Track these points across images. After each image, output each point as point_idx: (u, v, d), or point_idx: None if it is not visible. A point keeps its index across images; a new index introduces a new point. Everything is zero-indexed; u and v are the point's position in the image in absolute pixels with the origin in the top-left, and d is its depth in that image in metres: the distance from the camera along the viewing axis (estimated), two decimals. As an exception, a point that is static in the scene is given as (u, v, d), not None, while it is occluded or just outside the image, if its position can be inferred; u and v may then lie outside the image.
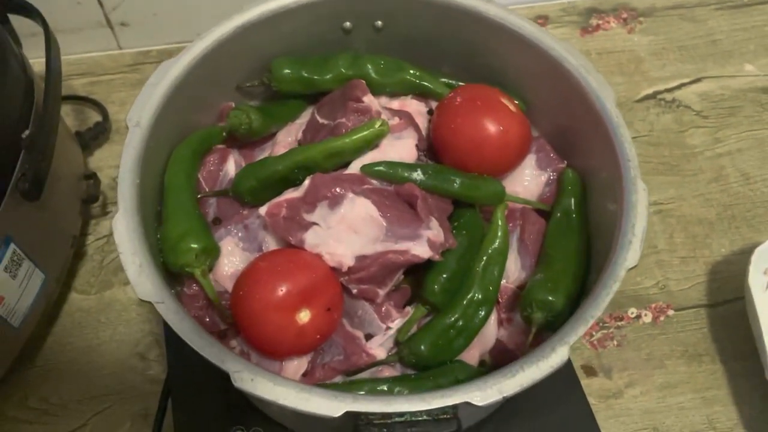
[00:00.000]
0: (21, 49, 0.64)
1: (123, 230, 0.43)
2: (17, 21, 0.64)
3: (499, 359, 0.52)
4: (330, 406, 0.38)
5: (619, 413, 0.66)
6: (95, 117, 0.82)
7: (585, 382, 0.67)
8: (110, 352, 0.68)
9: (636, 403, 0.66)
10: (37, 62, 0.63)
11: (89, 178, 0.72)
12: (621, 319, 0.71)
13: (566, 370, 0.62)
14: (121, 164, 0.46)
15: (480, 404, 0.39)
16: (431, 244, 0.46)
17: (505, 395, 0.39)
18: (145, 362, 0.67)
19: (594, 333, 0.70)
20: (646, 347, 0.69)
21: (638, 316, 0.71)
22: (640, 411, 0.66)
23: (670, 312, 0.71)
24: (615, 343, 0.69)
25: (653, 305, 0.72)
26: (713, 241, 0.75)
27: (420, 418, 0.38)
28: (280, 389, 0.39)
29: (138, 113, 0.49)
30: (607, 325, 0.70)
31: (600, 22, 0.92)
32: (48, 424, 0.64)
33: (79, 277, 0.72)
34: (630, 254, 0.44)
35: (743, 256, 0.68)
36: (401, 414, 0.38)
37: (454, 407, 0.39)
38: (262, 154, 0.58)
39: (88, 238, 0.74)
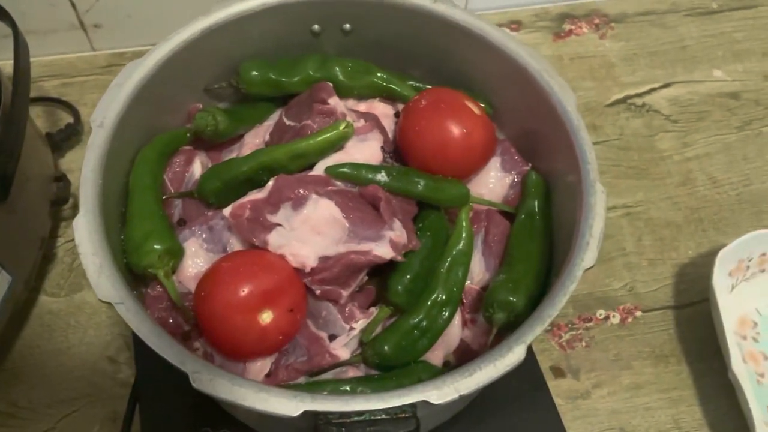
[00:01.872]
0: (-12, 50, 0.63)
1: (84, 231, 0.43)
2: (-14, 22, 0.64)
3: (463, 360, 0.53)
4: (288, 405, 0.38)
5: (586, 413, 0.66)
6: (67, 118, 0.81)
7: (553, 383, 0.67)
8: (80, 355, 0.68)
9: (603, 404, 0.67)
10: (7, 64, 0.63)
11: (59, 180, 0.72)
12: (589, 321, 0.72)
13: (533, 372, 0.63)
14: (83, 164, 0.46)
15: (437, 402, 0.39)
16: (393, 245, 0.47)
17: (461, 393, 0.39)
18: (115, 365, 0.67)
19: (563, 334, 0.70)
20: (613, 348, 0.70)
21: (606, 318, 0.72)
22: (607, 411, 0.67)
23: (638, 313, 0.72)
24: (583, 344, 0.70)
25: (621, 307, 0.73)
26: (681, 244, 0.77)
27: (378, 417, 0.39)
28: (238, 390, 0.39)
29: (102, 114, 0.49)
30: (575, 326, 0.71)
31: (572, 27, 0.93)
32: (15, 428, 0.63)
33: (49, 279, 0.72)
34: (587, 255, 0.44)
35: (709, 259, 0.69)
36: (360, 413, 0.39)
37: (412, 406, 0.39)
38: (230, 155, 0.58)
39: (58, 240, 0.74)
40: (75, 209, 0.76)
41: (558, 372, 0.69)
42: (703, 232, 0.77)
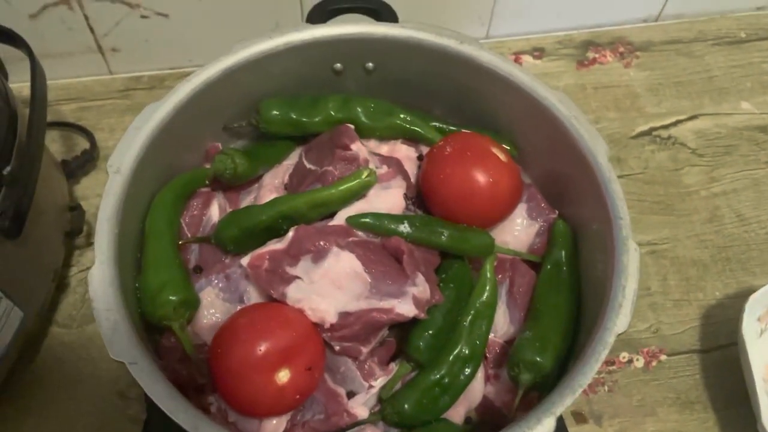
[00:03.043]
0: (6, 80, 0.62)
1: (98, 284, 0.42)
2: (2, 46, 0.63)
3: (486, 417, 0.51)
4: (305, 477, 0.37)
5: (608, 462, 0.64)
6: (83, 144, 0.80)
7: (575, 429, 0.65)
8: (90, 390, 0.66)
9: (626, 452, 0.65)
10: (23, 86, 0.61)
11: (73, 209, 0.71)
12: (612, 364, 0.70)
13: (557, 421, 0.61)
14: (99, 213, 0.45)
15: (462, 478, 0.37)
16: (416, 302, 0.45)
17: (488, 469, 0.38)
18: (125, 401, 0.66)
19: (585, 378, 0.68)
20: (637, 393, 0.68)
21: (630, 361, 0.70)
22: (630, 460, 0.65)
23: (663, 357, 0.70)
24: (606, 388, 0.68)
25: (645, 350, 0.70)
26: (707, 284, 0.74)
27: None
28: (253, 460, 0.37)
29: (119, 159, 0.48)
30: (598, 369, 0.69)
31: (596, 55, 0.91)
32: (24, 464, 0.62)
33: (61, 310, 0.70)
34: (620, 319, 0.42)
35: (737, 300, 0.67)
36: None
37: (436, 479, 0.38)
38: (248, 196, 0.57)
39: (71, 269, 0.73)
40: (89, 237, 0.75)
41: (580, 418, 0.67)
42: (730, 272, 0.75)
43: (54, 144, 0.81)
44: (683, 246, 0.77)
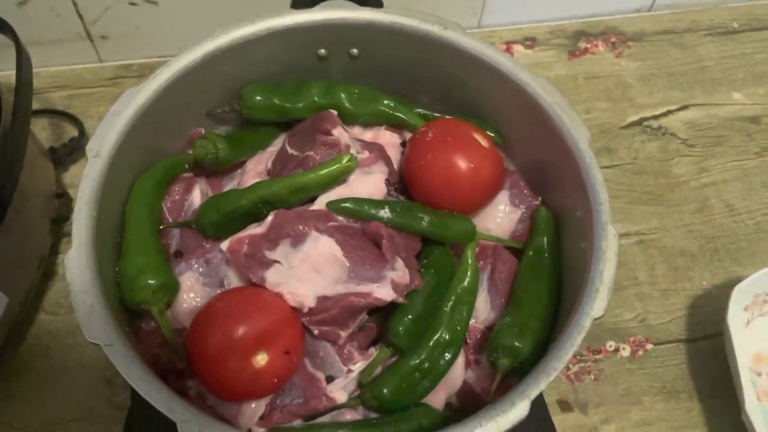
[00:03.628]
0: (-11, 66, 0.62)
1: (75, 268, 0.42)
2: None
3: (466, 402, 0.51)
4: (279, 459, 0.37)
5: (593, 450, 0.64)
6: (72, 131, 0.80)
7: (560, 417, 0.65)
8: (77, 377, 0.66)
9: (611, 441, 0.65)
10: (8, 74, 0.61)
11: (60, 196, 0.71)
12: (599, 353, 0.70)
13: (538, 406, 0.61)
14: (77, 197, 0.45)
15: (436, 461, 0.37)
16: (395, 286, 0.45)
17: (461, 452, 0.38)
18: (112, 387, 0.66)
19: (571, 366, 0.68)
20: (623, 382, 0.68)
21: (616, 350, 0.70)
22: (614, 449, 0.65)
23: (649, 346, 0.70)
24: (592, 377, 0.68)
25: (632, 339, 0.70)
26: (695, 274, 0.74)
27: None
28: (228, 441, 0.37)
29: (99, 143, 0.47)
30: (584, 358, 0.69)
31: (588, 45, 0.90)
32: (9, 450, 0.63)
33: (48, 297, 0.70)
34: (597, 303, 0.42)
35: (725, 290, 0.66)
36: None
37: (410, 462, 0.38)
38: (231, 182, 0.57)
39: (59, 257, 0.73)
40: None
41: (565, 406, 0.67)
42: (718, 262, 0.75)
43: (43, 131, 0.81)
44: (672, 236, 0.76)
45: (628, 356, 0.70)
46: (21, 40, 0.62)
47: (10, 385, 0.66)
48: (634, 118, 0.85)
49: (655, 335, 0.71)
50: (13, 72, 0.60)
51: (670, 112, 0.85)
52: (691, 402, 0.67)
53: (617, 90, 0.87)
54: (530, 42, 0.90)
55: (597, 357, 0.69)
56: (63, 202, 0.71)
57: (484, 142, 0.52)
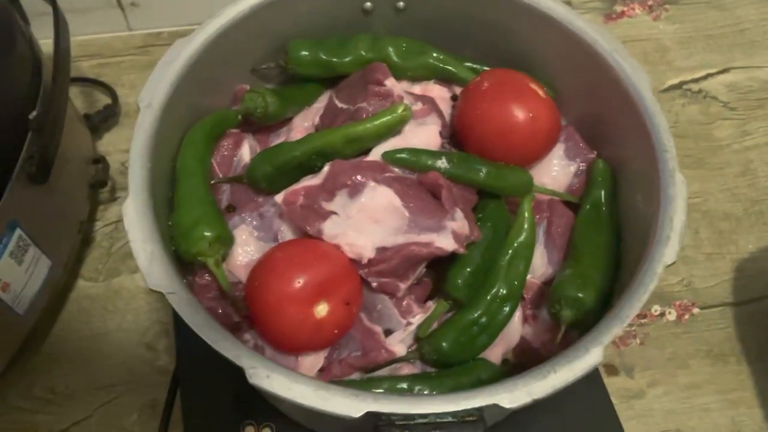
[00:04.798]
0: (29, 27, 0.61)
1: (133, 216, 0.41)
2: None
3: (523, 358, 0.50)
4: (350, 406, 0.36)
5: (641, 413, 0.64)
6: (104, 100, 0.80)
7: (606, 381, 0.64)
8: (118, 342, 0.66)
9: (659, 404, 0.64)
10: (46, 43, 0.61)
11: (98, 162, 0.70)
12: (644, 317, 0.69)
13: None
14: (131, 147, 0.44)
15: (509, 407, 0.36)
16: (456, 236, 0.44)
17: (535, 398, 0.37)
18: (154, 352, 0.65)
19: (616, 330, 0.67)
20: (669, 346, 0.67)
21: (662, 314, 0.69)
22: (662, 412, 0.64)
23: (695, 310, 0.69)
24: (638, 341, 0.67)
25: (678, 303, 0.69)
26: (740, 238, 0.73)
27: (444, 420, 0.36)
28: (297, 387, 0.37)
29: (150, 93, 0.46)
30: (630, 323, 0.68)
31: (625, 8, 0.89)
32: (53, 414, 0.62)
33: (87, 263, 0.70)
34: (668, 250, 0.41)
35: (771, 254, 0.65)
36: (425, 416, 0.36)
37: (480, 409, 0.37)
38: (278, 139, 0.56)
39: (96, 224, 0.72)
40: (113, 192, 0.74)
41: (611, 370, 0.66)
42: (763, 225, 0.74)
43: (76, 99, 0.80)
44: (715, 200, 0.75)
45: (674, 320, 0.68)
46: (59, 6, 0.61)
47: (52, 350, 0.65)
48: (674, 81, 0.83)
49: (701, 299, 0.69)
50: (50, 40, 0.59)
51: (710, 75, 0.84)
52: (739, 365, 0.66)
53: (655, 54, 0.85)
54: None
55: (642, 321, 0.68)
56: (100, 167, 0.70)
57: (540, 92, 0.50)
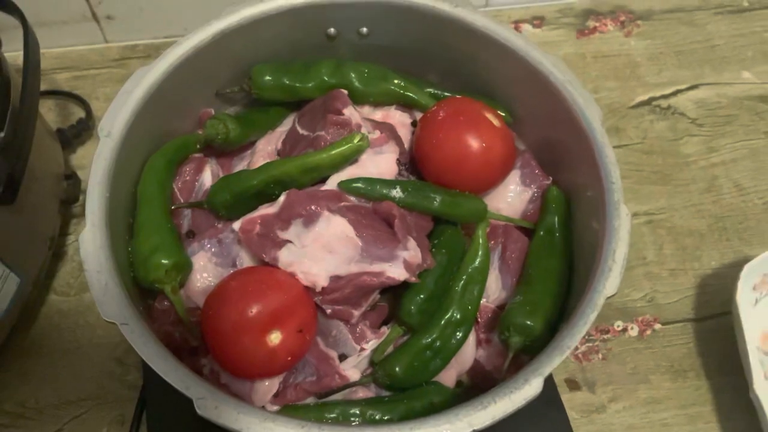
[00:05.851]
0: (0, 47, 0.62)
1: (90, 246, 0.42)
2: (-4, 13, 0.62)
3: (477, 380, 0.51)
4: (295, 436, 0.37)
5: (601, 428, 0.65)
6: (79, 113, 0.80)
7: (568, 396, 0.66)
8: (88, 356, 0.67)
9: (619, 419, 0.65)
10: (16, 56, 0.61)
11: (69, 177, 0.71)
12: (607, 332, 0.70)
13: (547, 385, 0.61)
14: (89, 177, 0.45)
15: (449, 437, 0.38)
16: (407, 265, 0.45)
17: (475, 428, 0.38)
18: (124, 367, 0.66)
19: (579, 346, 0.69)
20: (631, 361, 0.68)
21: (624, 329, 0.70)
22: (622, 426, 0.65)
23: (657, 326, 0.70)
24: (600, 356, 0.68)
25: (640, 318, 0.71)
26: (703, 254, 0.74)
27: (387, 449, 0.37)
28: (244, 418, 0.38)
29: (110, 123, 0.47)
30: (592, 338, 0.69)
31: (597, 24, 0.90)
32: (23, 428, 0.63)
33: (58, 278, 0.71)
34: (609, 282, 0.42)
35: (733, 270, 0.66)
36: (368, 445, 0.37)
37: (424, 438, 0.38)
38: (241, 162, 0.57)
39: (69, 238, 0.73)
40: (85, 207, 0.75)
41: (573, 385, 0.67)
42: (727, 242, 0.75)
43: (49, 113, 0.80)
44: (680, 216, 0.76)
45: (636, 336, 0.70)
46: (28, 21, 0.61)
47: (23, 364, 0.66)
48: (643, 97, 0.84)
49: (663, 315, 0.71)
50: (20, 53, 0.60)
51: (679, 91, 0.85)
52: (698, 380, 0.67)
53: (626, 69, 0.86)
54: (538, 21, 0.90)
55: (605, 337, 0.70)
56: (71, 183, 0.71)
57: (495, 121, 0.51)
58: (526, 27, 0.89)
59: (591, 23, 0.89)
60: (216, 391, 0.39)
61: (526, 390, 0.39)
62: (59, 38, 0.84)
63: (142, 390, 0.61)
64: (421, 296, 0.48)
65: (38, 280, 0.67)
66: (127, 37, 0.86)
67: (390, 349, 0.49)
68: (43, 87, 0.80)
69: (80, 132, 0.77)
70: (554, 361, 0.40)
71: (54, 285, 0.70)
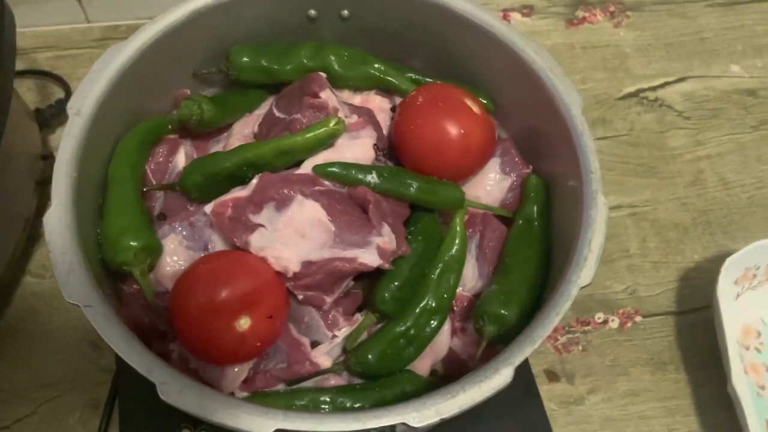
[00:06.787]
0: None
1: (55, 226, 0.41)
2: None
3: (452, 369, 0.51)
4: (260, 423, 0.37)
5: (579, 420, 0.65)
6: (58, 93, 0.79)
7: (547, 387, 0.66)
8: (63, 339, 0.66)
9: (597, 410, 0.65)
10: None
11: (46, 158, 0.70)
12: (587, 324, 0.69)
13: (525, 376, 0.61)
14: (57, 156, 0.44)
15: (416, 425, 0.37)
16: (381, 252, 0.44)
17: (443, 417, 0.38)
18: (98, 351, 0.65)
19: (559, 337, 0.68)
20: (611, 353, 0.68)
21: (605, 321, 0.70)
22: (601, 418, 0.65)
23: (638, 318, 0.70)
24: (580, 348, 0.68)
25: (621, 311, 0.70)
26: (686, 247, 0.74)
27: (355, 437, 0.37)
28: (207, 404, 0.37)
29: (80, 101, 0.46)
30: (573, 329, 0.69)
31: (586, 14, 0.89)
32: (-5, 411, 0.62)
33: (34, 260, 0.70)
34: (584, 272, 0.42)
35: (715, 264, 0.66)
36: (334, 433, 0.37)
37: (391, 427, 0.37)
38: (217, 145, 0.56)
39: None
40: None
41: (552, 376, 0.67)
42: (710, 236, 0.75)
43: (28, 93, 0.79)
44: (664, 209, 0.76)
45: (616, 328, 0.69)
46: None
47: (-4, 347, 0.65)
48: (631, 89, 0.83)
49: (644, 307, 0.70)
50: (-2, 30, 0.59)
51: (667, 83, 0.84)
52: (678, 374, 0.67)
53: (614, 60, 0.85)
54: (527, 10, 0.89)
55: (585, 328, 0.69)
56: (48, 163, 0.70)
57: (475, 108, 0.51)
58: (515, 16, 0.88)
59: (580, 13, 0.89)
60: (180, 376, 0.38)
61: (496, 379, 0.39)
62: (41, 17, 0.82)
63: (115, 375, 0.61)
64: (396, 283, 0.47)
65: (13, 262, 0.66)
66: (110, 17, 0.84)
67: (363, 336, 0.48)
68: (23, 66, 0.79)
69: (59, 112, 0.76)
70: (525, 351, 0.40)
71: (29, 267, 0.69)
